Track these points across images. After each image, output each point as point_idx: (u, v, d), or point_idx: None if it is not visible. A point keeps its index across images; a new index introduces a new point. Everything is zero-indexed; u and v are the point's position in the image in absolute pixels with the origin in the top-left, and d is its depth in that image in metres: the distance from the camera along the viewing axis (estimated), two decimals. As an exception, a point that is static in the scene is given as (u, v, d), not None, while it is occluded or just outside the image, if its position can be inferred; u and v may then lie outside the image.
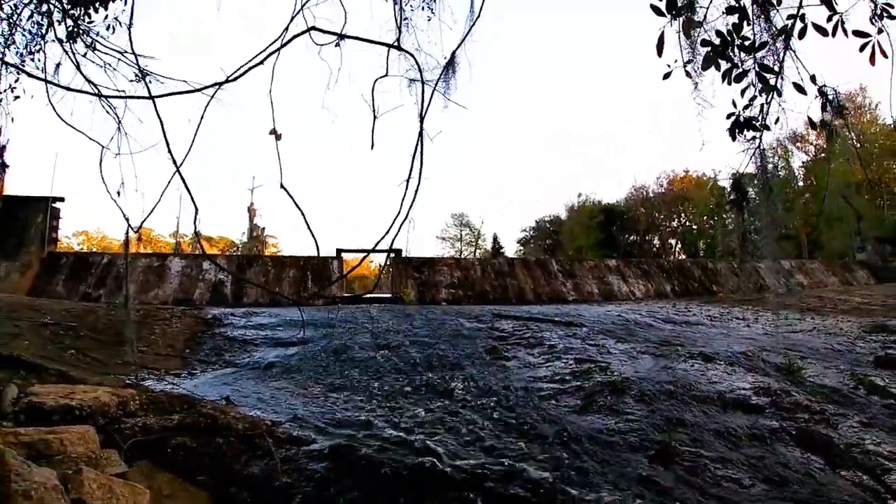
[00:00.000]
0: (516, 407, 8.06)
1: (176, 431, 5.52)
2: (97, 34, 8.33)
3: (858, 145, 48.66)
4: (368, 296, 23.24)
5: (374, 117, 4.76)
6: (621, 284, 25.91)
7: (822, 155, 53.20)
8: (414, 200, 4.30)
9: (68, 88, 5.34)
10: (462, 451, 6.30)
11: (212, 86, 4.35)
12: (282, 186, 4.12)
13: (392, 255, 23.04)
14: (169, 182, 4.47)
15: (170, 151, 4.34)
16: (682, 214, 66.03)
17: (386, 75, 4.89)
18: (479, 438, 6.78)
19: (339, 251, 22.67)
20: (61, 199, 21.27)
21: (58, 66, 7.87)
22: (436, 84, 4.75)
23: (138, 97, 5.17)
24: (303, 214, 4.27)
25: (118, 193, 5.40)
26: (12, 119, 9.50)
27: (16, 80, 8.99)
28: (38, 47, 8.85)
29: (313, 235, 4.42)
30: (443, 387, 8.77)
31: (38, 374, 6.49)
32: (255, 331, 12.44)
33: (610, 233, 63.92)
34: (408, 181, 4.30)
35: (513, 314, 16.01)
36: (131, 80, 6.91)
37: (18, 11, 8.27)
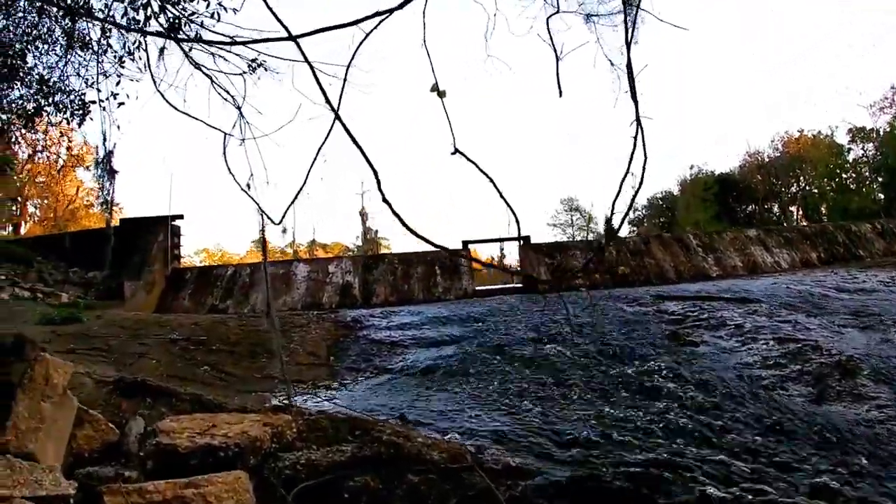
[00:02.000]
0: (745, 401, 6.61)
1: (351, 468, 3.99)
2: (201, 23, 7.41)
3: None
4: (498, 287, 21.64)
5: (557, 59, 4.05)
6: (765, 255, 23.27)
7: None
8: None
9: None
10: (734, 470, 4.59)
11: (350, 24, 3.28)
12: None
13: (521, 242, 21.34)
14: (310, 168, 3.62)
15: (340, 123, 3.25)
16: (801, 178, 60.95)
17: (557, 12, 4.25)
18: (739, 447, 5.12)
19: (465, 243, 21.10)
20: (181, 217, 20.56)
21: (161, 51, 6.89)
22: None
23: (274, 39, 3.65)
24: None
25: (248, 186, 4.75)
26: (118, 126, 8.54)
27: (117, 84, 8.13)
28: (136, 44, 7.95)
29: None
30: (640, 383, 7.34)
31: (168, 401, 5.04)
32: (400, 331, 11.04)
33: (727, 204, 59.87)
34: (636, 139, 3.21)
35: (674, 294, 14.16)
36: (243, 72, 6.31)
37: (111, 9, 7.43)
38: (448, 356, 8.96)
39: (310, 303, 18.39)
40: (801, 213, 60.93)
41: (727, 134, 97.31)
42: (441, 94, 3.57)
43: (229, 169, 4.32)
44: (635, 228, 70.61)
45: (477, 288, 20.06)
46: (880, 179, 54.43)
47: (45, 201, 45.14)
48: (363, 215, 56.38)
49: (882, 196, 53.70)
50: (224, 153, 4.36)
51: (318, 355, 9.24)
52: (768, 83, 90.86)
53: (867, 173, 56.97)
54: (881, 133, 53.92)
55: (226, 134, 4.74)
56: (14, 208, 40.03)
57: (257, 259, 61.26)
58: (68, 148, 39.59)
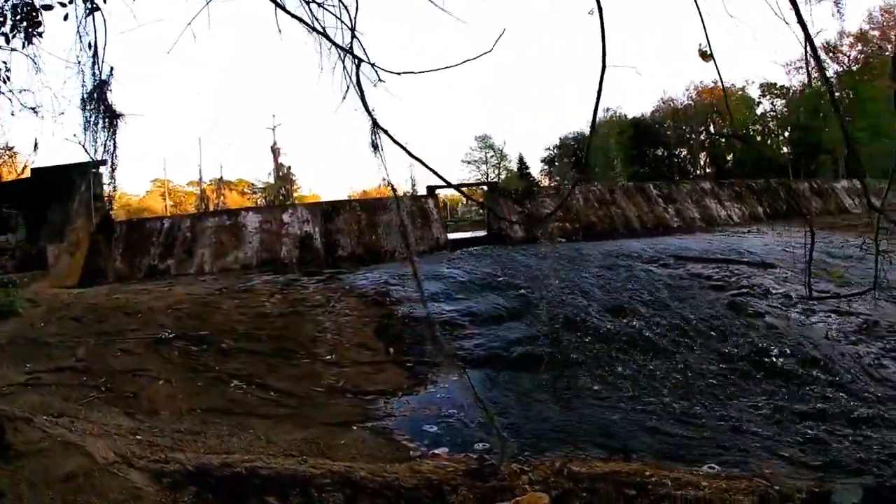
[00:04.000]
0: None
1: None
2: None
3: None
4: (466, 236, 19.88)
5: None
6: (719, 208, 23.02)
7: (857, 66, 49.77)
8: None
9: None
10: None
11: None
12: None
13: (486, 188, 19.60)
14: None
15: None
16: (712, 127, 62.00)
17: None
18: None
19: (431, 188, 19.03)
20: (103, 163, 17.18)
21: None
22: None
23: None
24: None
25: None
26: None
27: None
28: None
29: (436, 173, 3.32)
30: (771, 367, 6.89)
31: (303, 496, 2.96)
32: (439, 304, 9.20)
33: (641, 148, 60.15)
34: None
35: (691, 255, 13.26)
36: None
37: None
38: (523, 339, 7.65)
39: (266, 258, 16.00)
40: (708, 160, 62.20)
41: (644, 79, 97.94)
42: (708, 57, 3.72)
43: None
44: (547, 167, 70.42)
45: (449, 237, 18.20)
46: (786, 134, 56.25)
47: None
48: (275, 151, 52.36)
49: (786, 150, 55.63)
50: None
51: (372, 347, 7.33)
52: (688, 30, 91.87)
53: (774, 127, 58.95)
54: (793, 91, 55.54)
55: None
56: None
57: (159, 202, 57.04)
58: None
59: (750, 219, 23.08)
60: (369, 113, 3.04)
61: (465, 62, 3.34)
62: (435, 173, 3.19)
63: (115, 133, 4.67)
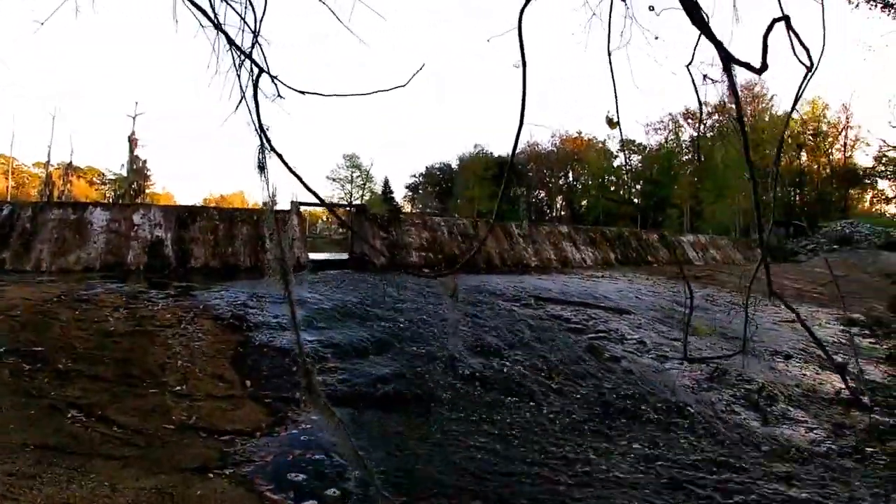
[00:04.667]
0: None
1: None
2: None
3: (749, 130, 50.34)
4: (325, 257, 19.47)
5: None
6: (574, 252, 24.20)
7: (711, 134, 54.46)
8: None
9: None
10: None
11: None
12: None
13: (354, 209, 19.32)
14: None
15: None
16: (570, 173, 65.72)
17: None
18: None
19: (295, 204, 18.39)
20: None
21: None
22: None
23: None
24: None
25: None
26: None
27: None
28: None
29: (316, 195, 3.11)
30: (624, 408, 7.20)
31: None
32: (300, 331, 8.45)
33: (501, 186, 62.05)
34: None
35: (551, 297, 13.96)
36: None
37: None
38: (394, 375, 7.33)
39: (111, 262, 14.68)
40: (564, 203, 65.69)
41: (511, 121, 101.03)
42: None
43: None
44: (411, 193, 71.08)
45: (310, 257, 17.67)
46: (638, 187, 60.76)
47: None
48: (132, 141, 49.07)
49: (637, 201, 60.12)
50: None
51: (228, 379, 6.62)
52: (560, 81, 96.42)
53: (627, 179, 63.74)
54: (649, 149, 60.85)
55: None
56: None
57: (1, 181, 52.02)
58: None
59: (603, 263, 24.39)
60: (263, 132, 2.82)
61: (377, 92, 3.13)
62: (316, 195, 3.03)
63: None
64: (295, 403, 6.08)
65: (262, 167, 2.96)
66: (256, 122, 2.83)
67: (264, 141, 2.86)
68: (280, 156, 2.88)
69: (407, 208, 65.80)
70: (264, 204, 4.17)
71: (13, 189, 51.80)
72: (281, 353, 7.48)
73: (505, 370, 8.00)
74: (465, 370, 7.73)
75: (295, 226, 17.53)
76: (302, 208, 19.03)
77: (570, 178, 66.11)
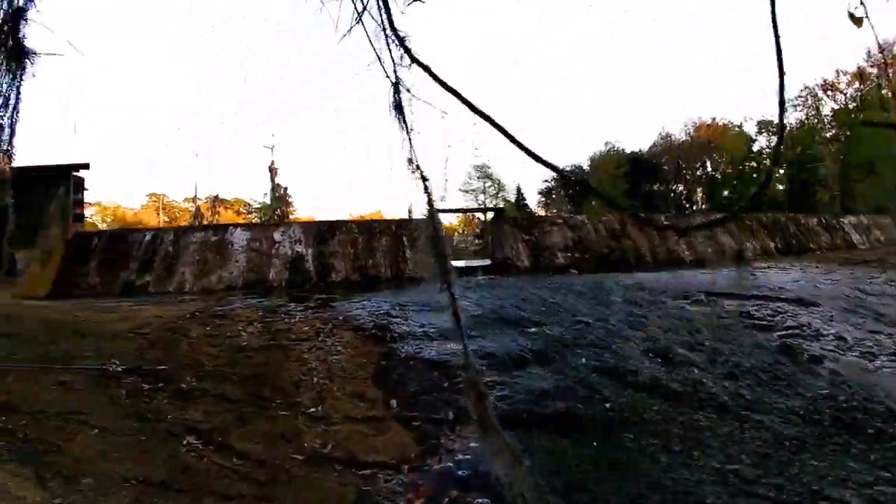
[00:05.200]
0: None
1: None
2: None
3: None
4: (467, 264, 18.36)
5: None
6: (731, 242, 21.27)
7: (854, 104, 49.47)
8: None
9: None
10: None
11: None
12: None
13: (493, 213, 18.22)
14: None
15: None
16: (708, 163, 61.40)
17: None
18: None
19: (435, 210, 17.60)
20: (85, 167, 15.77)
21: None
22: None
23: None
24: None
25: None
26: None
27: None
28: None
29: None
30: (851, 424, 5.44)
31: None
32: (449, 341, 7.32)
33: (637, 183, 59.36)
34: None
35: (720, 291, 11.76)
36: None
37: None
38: (560, 389, 6.01)
39: (253, 280, 14.43)
40: (704, 195, 61.55)
41: (642, 114, 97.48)
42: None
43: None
44: (544, 199, 69.46)
45: (456, 264, 16.71)
46: (781, 171, 55.96)
47: None
48: (272, 171, 50.93)
49: (781, 187, 55.26)
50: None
51: (370, 397, 5.59)
52: (691, 67, 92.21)
53: (769, 164, 58.77)
54: (790, 128, 55.56)
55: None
56: None
57: (154, 216, 55.43)
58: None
59: (762, 253, 21.74)
60: (398, 36, 2.31)
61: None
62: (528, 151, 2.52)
63: (20, 76, 3.29)
64: (449, 426, 4.94)
65: (399, 107, 2.27)
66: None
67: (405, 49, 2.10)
68: (428, 69, 2.58)
69: (541, 214, 64.24)
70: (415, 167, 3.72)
71: (166, 223, 54.92)
72: (430, 367, 6.37)
73: (689, 379, 6.56)
74: (643, 380, 6.36)
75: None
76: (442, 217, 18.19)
77: (709, 168, 61.74)
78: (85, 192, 16.07)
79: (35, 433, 4.34)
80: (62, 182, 15.16)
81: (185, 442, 4.19)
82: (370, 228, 16.35)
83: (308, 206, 72.54)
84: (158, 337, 6.70)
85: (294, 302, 10.05)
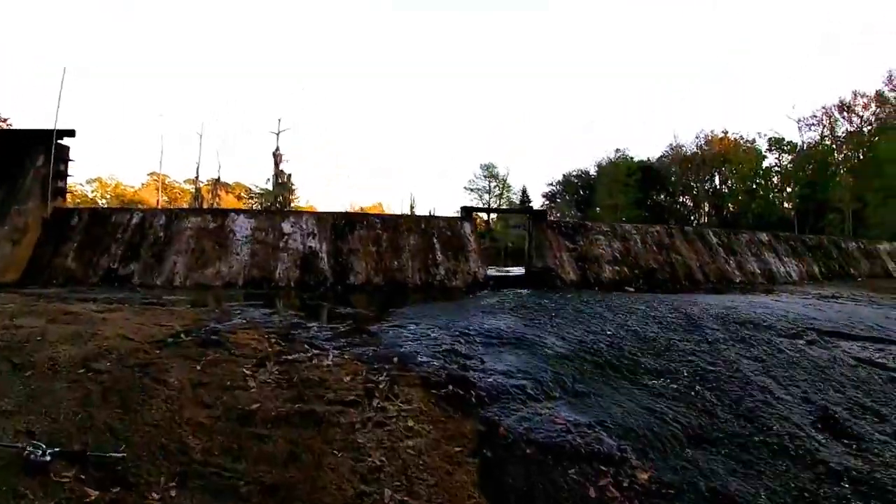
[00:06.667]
0: None
1: None
2: None
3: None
4: (504, 273, 15.81)
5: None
6: (778, 264, 19.34)
7: (868, 128, 47.28)
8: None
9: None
10: None
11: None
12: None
13: (531, 216, 15.71)
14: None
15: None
16: (717, 177, 58.99)
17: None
18: None
19: (467, 210, 15.01)
20: (70, 133, 13.07)
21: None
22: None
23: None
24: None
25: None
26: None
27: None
28: None
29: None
30: None
31: None
32: (554, 404, 4.89)
33: (648, 192, 57.16)
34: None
35: (823, 328, 8.96)
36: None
37: None
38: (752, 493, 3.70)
39: (257, 277, 11.87)
40: (711, 208, 59.27)
41: (652, 123, 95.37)
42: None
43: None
44: (548, 202, 67.26)
45: (489, 272, 14.07)
46: (789, 190, 53.83)
47: None
48: (277, 156, 48.20)
49: (788, 205, 53.01)
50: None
51: None
52: (704, 78, 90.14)
53: (777, 181, 56.59)
54: (803, 147, 53.37)
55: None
56: None
57: (154, 195, 52.63)
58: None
59: (808, 277, 19.80)
60: None
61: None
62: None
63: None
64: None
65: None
66: None
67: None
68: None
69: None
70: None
71: (165, 203, 52.32)
72: (551, 454, 3.80)
73: (883, 464, 4.23)
74: (834, 469, 4.04)
75: (469, 234, 14.09)
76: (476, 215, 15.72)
77: (717, 182, 59.32)
78: (70, 164, 13.39)
79: None
80: (42, 150, 12.54)
81: None
82: (396, 224, 13.77)
83: (310, 195, 69.77)
84: (118, 381, 4.11)
85: (314, 320, 7.47)
